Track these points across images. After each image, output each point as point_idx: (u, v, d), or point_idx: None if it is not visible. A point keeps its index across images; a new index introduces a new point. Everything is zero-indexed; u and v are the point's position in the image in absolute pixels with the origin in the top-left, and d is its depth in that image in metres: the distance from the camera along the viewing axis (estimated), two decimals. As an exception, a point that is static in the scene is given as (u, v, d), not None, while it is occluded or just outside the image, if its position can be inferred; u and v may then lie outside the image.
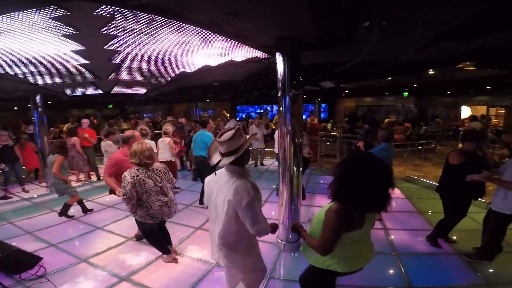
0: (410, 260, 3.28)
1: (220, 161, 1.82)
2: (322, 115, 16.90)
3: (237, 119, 13.51)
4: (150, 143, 4.87)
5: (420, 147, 7.82)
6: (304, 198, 5.47)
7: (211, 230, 2.06)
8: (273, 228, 1.94)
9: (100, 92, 6.03)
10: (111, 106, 17.71)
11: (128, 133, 3.69)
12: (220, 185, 1.86)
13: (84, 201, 4.97)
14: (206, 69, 4.83)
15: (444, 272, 3.05)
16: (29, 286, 2.94)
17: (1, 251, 3.17)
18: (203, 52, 3.63)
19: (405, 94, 14.74)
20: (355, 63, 4.68)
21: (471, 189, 3.08)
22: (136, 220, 3.00)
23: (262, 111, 17.86)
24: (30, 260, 3.26)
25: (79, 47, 2.84)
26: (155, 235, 3.17)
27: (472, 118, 11.00)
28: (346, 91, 14.87)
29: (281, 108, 3.19)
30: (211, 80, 6.96)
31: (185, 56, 3.81)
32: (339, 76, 7.34)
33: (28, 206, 5.46)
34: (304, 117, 14.28)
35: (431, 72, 7.41)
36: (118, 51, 3.10)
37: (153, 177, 2.81)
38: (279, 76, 3.16)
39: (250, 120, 11.16)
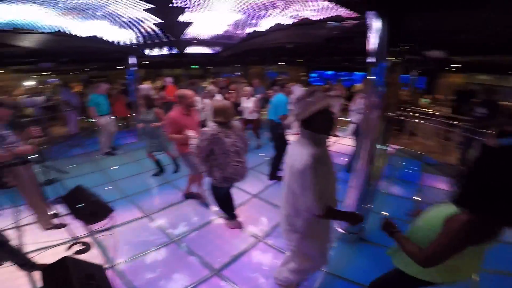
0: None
1: (291, 121, 1.70)
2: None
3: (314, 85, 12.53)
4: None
5: None
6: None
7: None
8: (351, 217, 1.77)
9: (177, 51, 6.27)
10: (196, 66, 18.67)
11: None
12: (291, 150, 1.74)
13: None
14: (278, 29, 4.37)
15: None
16: (95, 237, 3.19)
17: (84, 200, 3.41)
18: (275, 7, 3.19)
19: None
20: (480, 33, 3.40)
21: None
22: (211, 185, 2.93)
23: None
24: (104, 212, 3.49)
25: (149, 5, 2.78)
26: (227, 199, 3.14)
27: None
28: (457, 65, 11.81)
29: (371, 77, 2.62)
30: (284, 41, 6.40)
31: (256, 13, 3.45)
32: (452, 46, 5.71)
33: (118, 155, 6.17)
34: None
35: None
36: (186, 8, 2.95)
37: (232, 136, 2.70)
38: (372, 39, 2.53)
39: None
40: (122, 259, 2.86)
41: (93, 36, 4.09)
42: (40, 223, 3.29)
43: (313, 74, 18.47)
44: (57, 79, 13.68)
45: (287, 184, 1.74)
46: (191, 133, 2.97)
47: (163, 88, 8.20)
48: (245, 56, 9.83)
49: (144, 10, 2.95)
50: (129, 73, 7.87)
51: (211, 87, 5.75)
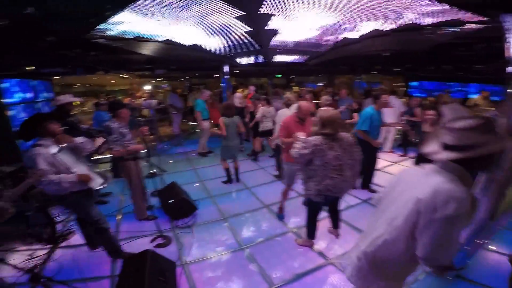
0: None
1: (436, 152, 1.28)
2: None
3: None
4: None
5: None
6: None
7: (365, 230, 1.57)
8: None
9: (264, 60, 6.45)
10: (280, 75, 19.05)
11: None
12: (416, 178, 1.34)
13: (240, 159, 5.55)
14: (375, 35, 3.92)
15: None
16: (177, 233, 3.41)
17: (175, 196, 3.71)
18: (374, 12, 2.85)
19: None
20: None
21: None
22: (306, 195, 2.79)
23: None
24: (189, 209, 3.71)
25: (240, 12, 2.87)
26: (315, 215, 2.97)
27: None
28: None
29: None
30: (380, 49, 5.75)
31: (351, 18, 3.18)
32: None
33: (210, 157, 6.77)
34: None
35: None
36: (273, 15, 2.94)
37: (337, 149, 2.47)
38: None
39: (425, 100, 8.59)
40: (192, 257, 3.02)
41: (194, 45, 4.57)
42: (136, 213, 3.77)
43: (413, 84, 16.18)
44: (166, 84, 16.30)
45: (403, 219, 1.29)
46: (301, 135, 2.79)
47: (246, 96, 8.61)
48: (332, 64, 9.36)
49: (236, 17, 3.06)
50: (223, 81, 8.52)
51: (289, 96, 5.60)
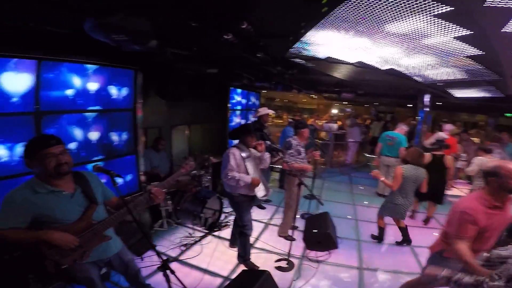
0: None
1: None
2: None
3: None
4: None
5: None
6: None
7: None
8: None
9: (500, 95, 4.62)
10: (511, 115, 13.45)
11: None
12: None
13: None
14: None
15: None
16: (302, 263, 3.22)
17: (319, 227, 3.42)
18: None
19: None
20: None
21: None
22: None
23: None
24: (328, 245, 3.37)
25: (465, 32, 2.04)
26: None
27: None
28: None
29: None
30: None
31: None
32: None
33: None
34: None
35: None
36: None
37: None
38: None
39: None
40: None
41: (391, 69, 3.93)
42: (279, 228, 3.83)
43: None
44: (350, 109, 15.94)
45: None
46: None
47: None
48: None
49: (456, 38, 2.20)
50: (420, 113, 7.02)
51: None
